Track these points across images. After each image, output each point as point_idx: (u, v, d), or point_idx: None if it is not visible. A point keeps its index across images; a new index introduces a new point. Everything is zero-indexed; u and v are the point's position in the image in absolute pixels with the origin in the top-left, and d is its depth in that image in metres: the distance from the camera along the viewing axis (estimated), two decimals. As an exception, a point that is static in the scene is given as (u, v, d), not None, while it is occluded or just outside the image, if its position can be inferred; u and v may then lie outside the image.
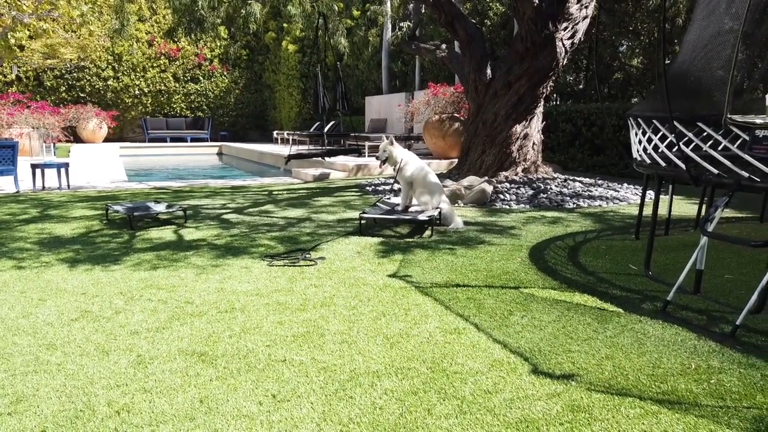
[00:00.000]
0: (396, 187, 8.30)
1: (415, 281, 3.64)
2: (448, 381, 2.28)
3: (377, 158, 5.50)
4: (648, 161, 3.74)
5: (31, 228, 5.45)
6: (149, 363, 2.46)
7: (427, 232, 5.09)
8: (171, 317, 3.01)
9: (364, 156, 13.07)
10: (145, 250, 4.52)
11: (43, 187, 9.10)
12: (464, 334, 2.76)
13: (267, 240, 4.89)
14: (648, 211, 4.95)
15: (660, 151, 3.59)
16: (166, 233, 5.19)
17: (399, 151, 5.41)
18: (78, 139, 19.25)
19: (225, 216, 6.14)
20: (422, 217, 5.08)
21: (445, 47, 8.87)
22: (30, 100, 15.64)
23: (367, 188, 8.47)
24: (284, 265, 4.03)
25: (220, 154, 20.36)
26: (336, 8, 9.39)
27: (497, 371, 2.36)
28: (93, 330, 2.84)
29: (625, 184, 7.89)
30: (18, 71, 18.14)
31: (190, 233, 5.18)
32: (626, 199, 6.93)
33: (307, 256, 4.23)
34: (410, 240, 4.86)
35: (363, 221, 5.27)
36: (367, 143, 13.64)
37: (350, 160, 11.47)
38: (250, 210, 6.58)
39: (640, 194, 4.65)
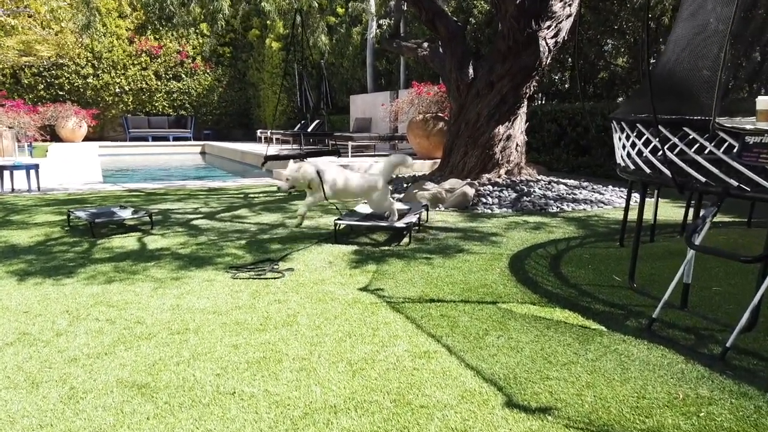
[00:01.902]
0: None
1: (386, 296, 3.41)
2: (413, 417, 2.05)
3: (279, 189, 4.94)
4: (632, 167, 3.54)
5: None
6: (82, 398, 2.21)
7: (405, 240, 4.87)
8: (116, 340, 2.76)
9: (347, 156, 12.83)
10: (103, 261, 4.25)
11: (12, 190, 8.76)
12: (435, 358, 2.54)
13: (235, 249, 4.64)
14: (633, 215, 4.78)
15: (644, 156, 3.40)
16: (129, 241, 4.92)
17: (311, 168, 4.71)
18: (57, 138, 18.80)
19: (195, 222, 5.88)
20: (399, 224, 4.86)
21: (426, 45, 8.65)
22: (5, 98, 15.20)
23: (348, 190, 8.23)
24: (249, 278, 3.78)
25: (203, 153, 20.00)
26: (316, 5, 9.13)
27: (468, 404, 2.14)
28: (27, 356, 2.58)
29: (611, 187, 7.72)
30: (-8, 69, 17.71)
31: (154, 241, 4.92)
32: (611, 202, 6.76)
33: (275, 267, 3.99)
34: (386, 248, 4.64)
35: (338, 228, 5.04)
36: (350, 143, 13.40)
37: (333, 161, 11.21)
38: (223, 215, 6.32)
39: (625, 198, 4.46)
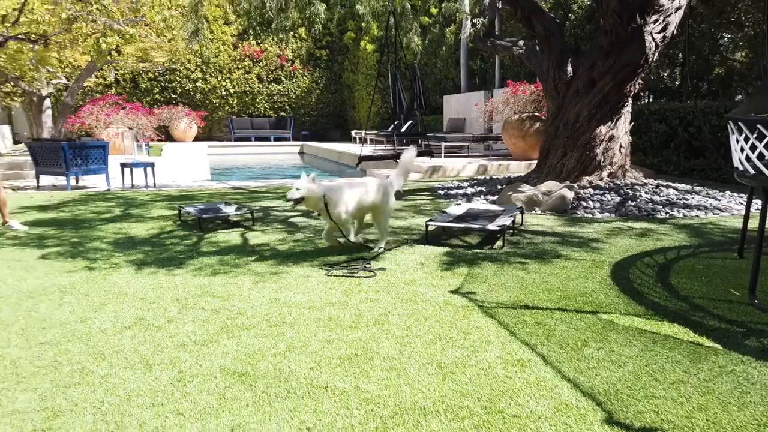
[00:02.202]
0: (468, 191, 7.98)
1: (479, 299, 3.35)
2: (505, 426, 2.00)
3: (287, 198, 4.28)
4: (752, 171, 3.24)
5: (110, 227, 5.65)
6: (189, 381, 2.36)
7: (498, 243, 4.77)
8: (220, 329, 2.92)
9: (440, 157, 12.77)
10: (209, 254, 4.52)
11: (132, 185, 9.55)
12: (529, 367, 2.46)
13: (329, 247, 4.76)
14: (754, 224, 4.37)
15: (766, 160, 3.09)
16: (233, 236, 5.20)
17: (319, 189, 4.27)
18: (170, 138, 20.27)
19: (293, 219, 6.10)
20: (493, 226, 4.76)
21: (522, 44, 8.41)
22: (125, 101, 16.61)
23: (440, 192, 8.21)
24: (342, 276, 3.87)
25: (301, 153, 20.77)
26: (409, 6, 9.17)
27: (563, 417, 2.05)
28: (142, 340, 2.79)
29: (728, 192, 7.12)
30: (116, 74, 19.37)
31: (255, 237, 5.16)
32: (729, 209, 6.22)
33: (367, 266, 4.05)
34: (479, 251, 4.56)
35: (429, 229, 5.02)
36: (443, 143, 13.33)
37: (425, 162, 11.23)
38: (318, 213, 6.51)
39: (745, 205, 4.08)
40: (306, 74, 23.11)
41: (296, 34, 22.46)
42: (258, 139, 22.22)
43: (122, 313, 3.18)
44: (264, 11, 7.36)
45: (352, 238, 4.63)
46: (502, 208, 5.62)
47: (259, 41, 22.16)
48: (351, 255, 4.43)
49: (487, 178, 9.87)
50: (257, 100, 22.80)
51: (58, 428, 2.02)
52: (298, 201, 4.23)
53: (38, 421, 2.06)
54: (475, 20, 9.08)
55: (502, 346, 2.68)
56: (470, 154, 14.11)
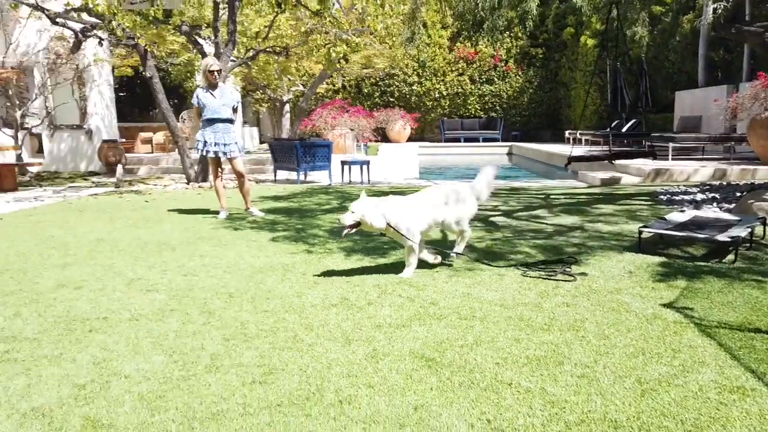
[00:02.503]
0: (698, 197, 7.06)
1: (696, 316, 2.96)
2: (713, 458, 1.75)
3: (339, 221, 3.80)
4: None
5: (327, 217, 6.29)
6: (381, 359, 2.52)
7: (730, 257, 4.14)
8: (413, 316, 3.06)
9: (666, 159, 11.50)
10: (410, 246, 4.75)
11: (349, 181, 10.48)
12: (751, 396, 2.10)
13: (528, 248, 4.64)
14: None
15: None
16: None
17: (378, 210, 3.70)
18: (386, 139, 21.70)
19: (493, 218, 6.08)
20: (723, 237, 4.14)
21: (780, 26, 7.13)
22: (350, 105, 18.23)
23: (661, 197, 7.41)
24: (539, 277, 3.74)
25: (509, 153, 20.53)
26: (636, -5, 8.40)
27: (793, 462, 1.71)
28: (345, 317, 3.07)
29: None
30: (343, 81, 21.38)
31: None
32: None
33: (567, 269, 3.85)
34: (703, 264, 4.02)
35: (643, 236, 4.57)
36: (670, 144, 11.96)
37: (647, 164, 10.23)
38: (520, 214, 6.38)
39: None
40: (519, 73, 22.73)
41: (512, 33, 22.21)
42: (467, 140, 22.55)
43: (330, 292, 3.52)
44: (476, 11, 7.46)
45: (430, 259, 4.04)
46: (737, 218, 4.87)
47: (473, 43, 22.44)
48: (549, 256, 4.26)
49: (724, 183, 8.62)
50: (468, 101, 23.12)
51: (272, 383, 2.33)
52: (354, 227, 3.67)
53: (257, 375, 2.41)
54: (715, 5, 7.96)
55: (719, 369, 2.34)
56: (705, 156, 12.44)
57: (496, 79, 22.90)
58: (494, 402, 2.12)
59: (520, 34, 22.16)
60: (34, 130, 12.71)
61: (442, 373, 2.37)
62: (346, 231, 3.70)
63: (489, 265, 4.07)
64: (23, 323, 3.06)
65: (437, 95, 23.00)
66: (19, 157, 11.42)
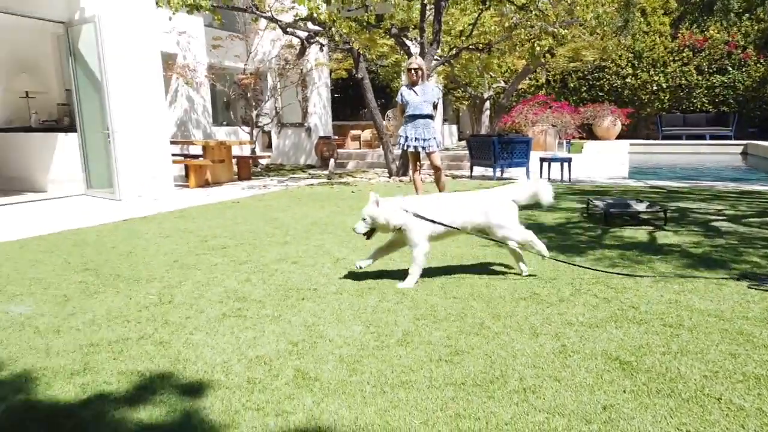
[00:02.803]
0: None
1: None
2: None
3: (355, 230, 3.54)
4: None
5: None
6: (570, 355, 2.44)
7: None
8: (608, 317, 2.89)
9: None
10: (611, 247, 4.46)
11: (549, 179, 10.12)
12: None
13: (758, 257, 4.02)
14: None
15: None
16: (639, 233, 4.96)
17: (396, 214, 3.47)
18: (592, 136, 20.41)
19: (715, 223, 5.38)
20: None
21: None
22: (553, 100, 17.54)
23: None
24: (769, 290, 3.24)
25: (744, 153, 17.78)
26: None
27: None
28: (533, 311, 3.02)
29: None
30: (547, 75, 20.60)
31: (665, 237, 4.79)
32: None
33: (808, 284, 3.26)
34: None
35: None
36: None
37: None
38: (751, 219, 5.54)
39: None
40: (762, 61, 19.51)
41: (751, 15, 19.16)
42: (690, 137, 20.06)
43: (519, 285, 3.49)
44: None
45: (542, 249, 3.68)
46: None
47: (702, 29, 19.86)
48: (786, 269, 3.65)
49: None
50: (693, 94, 20.55)
51: (458, 362, 2.41)
52: (369, 235, 3.55)
53: (444, 354, 2.51)
54: None
55: None
56: None
57: (730, 69, 19.97)
58: (697, 415, 1.92)
59: (762, 15, 18.99)
60: (265, 128, 14.67)
61: (637, 377, 2.21)
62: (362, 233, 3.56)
63: (703, 273, 3.63)
64: (252, 287, 3.61)
65: (655, 88, 20.88)
66: (253, 151, 13.36)
